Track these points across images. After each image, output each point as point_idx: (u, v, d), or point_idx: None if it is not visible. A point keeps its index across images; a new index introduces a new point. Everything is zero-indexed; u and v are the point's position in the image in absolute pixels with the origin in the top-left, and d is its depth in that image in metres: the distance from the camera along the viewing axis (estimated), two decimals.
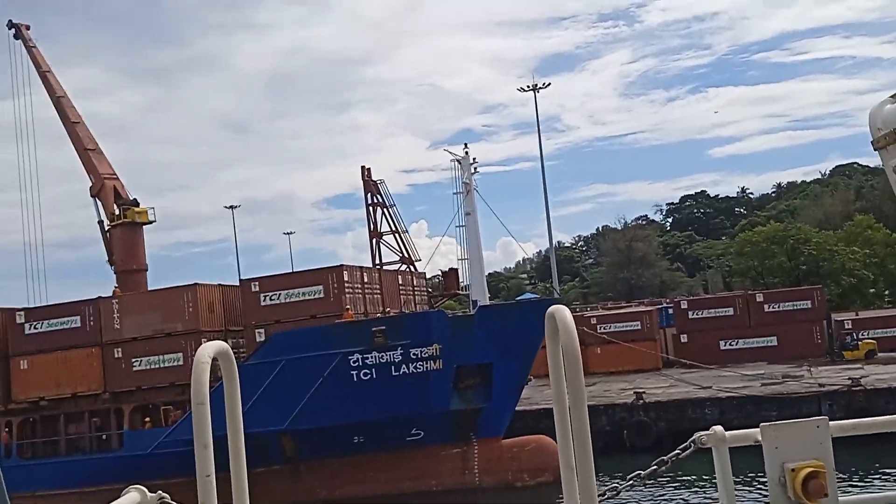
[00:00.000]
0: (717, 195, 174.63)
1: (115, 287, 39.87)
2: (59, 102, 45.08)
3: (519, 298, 61.91)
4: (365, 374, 31.90)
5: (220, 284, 35.60)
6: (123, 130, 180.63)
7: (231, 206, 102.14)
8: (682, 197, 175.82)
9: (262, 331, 33.43)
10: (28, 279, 46.23)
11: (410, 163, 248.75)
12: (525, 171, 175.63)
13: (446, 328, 32.28)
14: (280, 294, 33.39)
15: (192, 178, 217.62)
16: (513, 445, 33.94)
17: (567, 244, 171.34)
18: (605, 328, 51.92)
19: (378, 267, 38.98)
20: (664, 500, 28.63)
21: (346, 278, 33.14)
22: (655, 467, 3.69)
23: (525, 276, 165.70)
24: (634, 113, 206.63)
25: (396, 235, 39.95)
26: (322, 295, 33.04)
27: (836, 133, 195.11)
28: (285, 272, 35.38)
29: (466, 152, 35.43)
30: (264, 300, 33.53)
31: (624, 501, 26.71)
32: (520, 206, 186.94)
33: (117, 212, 42.88)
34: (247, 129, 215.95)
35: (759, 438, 3.06)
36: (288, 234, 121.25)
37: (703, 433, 3.41)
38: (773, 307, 50.48)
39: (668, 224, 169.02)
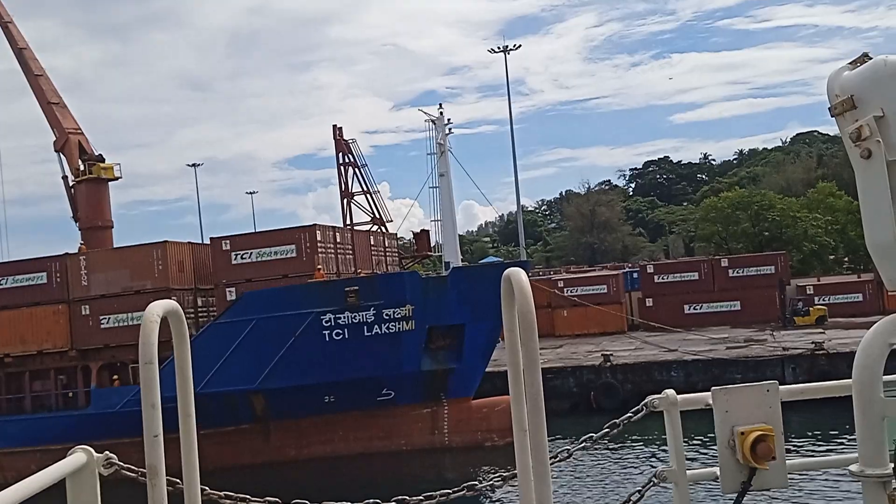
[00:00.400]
0: (680, 161, 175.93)
1: (81, 244, 39.22)
2: (22, 54, 43.92)
3: (483, 261, 62.01)
4: (337, 334, 31.87)
5: (189, 242, 35.27)
6: (80, 86, 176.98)
7: (193, 165, 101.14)
8: (645, 162, 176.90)
9: (232, 289, 33.20)
10: None
11: (373, 124, 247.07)
12: (488, 135, 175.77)
13: (419, 289, 32.31)
14: (251, 253, 33.14)
15: (150, 136, 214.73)
16: (482, 406, 34.23)
17: (530, 208, 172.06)
18: (572, 291, 52.30)
19: (349, 227, 38.77)
20: (617, 461, 29.04)
21: (318, 238, 32.97)
22: (608, 430, 3.69)
23: (488, 239, 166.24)
24: (598, 77, 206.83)
25: (368, 196, 39.73)
26: (294, 254, 32.87)
27: (796, 101, 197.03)
28: (257, 231, 35.07)
29: (441, 112, 35.26)
30: (235, 259, 33.26)
31: (577, 463, 27.19)
32: (482, 170, 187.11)
33: (82, 167, 42.07)
34: (207, 88, 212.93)
35: (710, 402, 3.07)
36: (251, 193, 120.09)
37: (655, 396, 3.42)
38: (737, 272, 51.16)
39: (630, 189, 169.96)
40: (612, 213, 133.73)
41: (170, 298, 23.12)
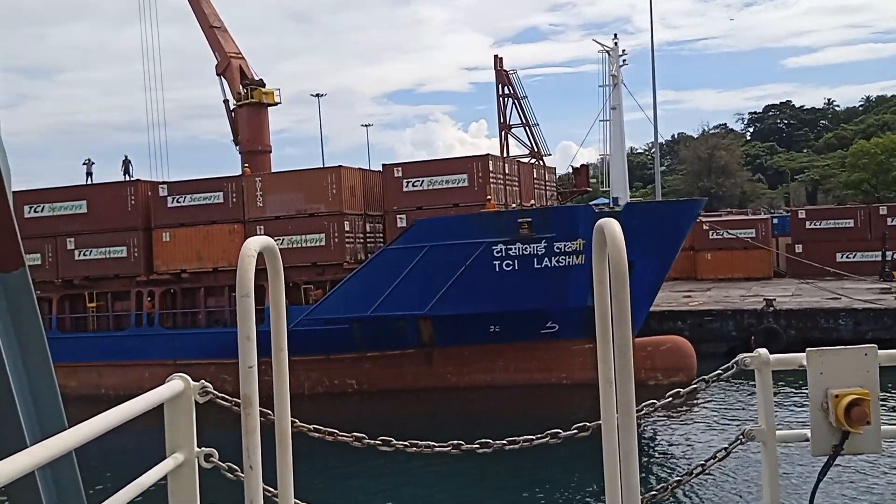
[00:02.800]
0: (803, 106, 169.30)
1: (246, 166, 40.06)
2: None
3: (593, 203, 61.18)
4: (507, 265, 31.89)
5: (360, 168, 35.59)
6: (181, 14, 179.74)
7: (318, 95, 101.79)
8: (765, 106, 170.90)
9: (403, 216, 33.51)
10: (151, 156, 46.86)
11: (473, 60, 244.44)
12: (591, 74, 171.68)
13: (592, 223, 31.84)
14: (423, 181, 33.28)
15: (251, 66, 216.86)
16: (647, 344, 33.92)
17: (639, 150, 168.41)
18: (716, 234, 51.09)
19: (513, 160, 38.52)
20: (708, 418, 28.30)
21: (490, 168, 32.82)
22: (696, 385, 3.64)
23: (595, 180, 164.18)
24: (708, 17, 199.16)
25: (527, 129, 39.30)
26: (466, 184, 32.86)
27: None
28: (430, 159, 35.18)
29: (616, 43, 34.30)
30: (406, 186, 33.48)
31: (661, 416, 26.55)
32: (581, 110, 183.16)
33: (244, 91, 42.78)
34: (309, 20, 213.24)
35: (805, 363, 2.99)
36: (366, 126, 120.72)
37: (746, 355, 3.34)
38: None
39: (748, 134, 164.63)
40: (732, 158, 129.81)
41: (343, 222, 23.71)
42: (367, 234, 35.08)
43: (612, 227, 2.87)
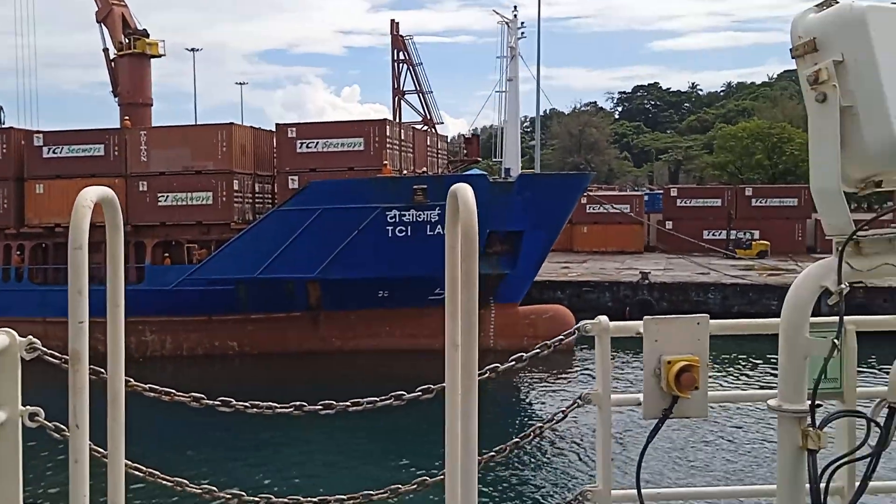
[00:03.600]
0: (669, 88, 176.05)
1: (126, 119, 38.42)
2: None
3: (469, 173, 62.09)
4: (400, 231, 31.97)
5: (251, 127, 34.76)
6: None
7: (192, 49, 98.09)
8: (634, 87, 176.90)
9: (295, 178, 33.00)
10: (19, 104, 44.22)
11: (349, 24, 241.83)
12: (465, 45, 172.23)
13: (486, 193, 32.30)
14: (318, 143, 32.83)
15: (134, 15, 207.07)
16: (531, 312, 34.82)
17: (503, 125, 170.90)
18: (593, 209, 52.70)
19: (411, 126, 38.45)
20: (548, 384, 29.55)
21: (387, 133, 32.70)
22: (538, 350, 3.77)
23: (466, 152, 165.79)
24: None
25: (420, 96, 39.28)
26: (362, 148, 32.63)
27: (776, 38, 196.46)
28: (325, 121, 34.72)
29: (515, 15, 34.64)
30: (300, 147, 32.95)
31: (504, 381, 27.90)
32: (454, 83, 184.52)
33: (126, 41, 40.92)
34: None
35: (641, 331, 3.13)
36: (241, 84, 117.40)
37: (587, 322, 3.50)
38: (760, 202, 51.88)
39: (617, 113, 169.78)
40: (601, 135, 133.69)
41: (232, 181, 23.12)
42: (256, 195, 34.39)
43: (465, 192, 2.80)
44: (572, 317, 35.14)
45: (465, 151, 39.34)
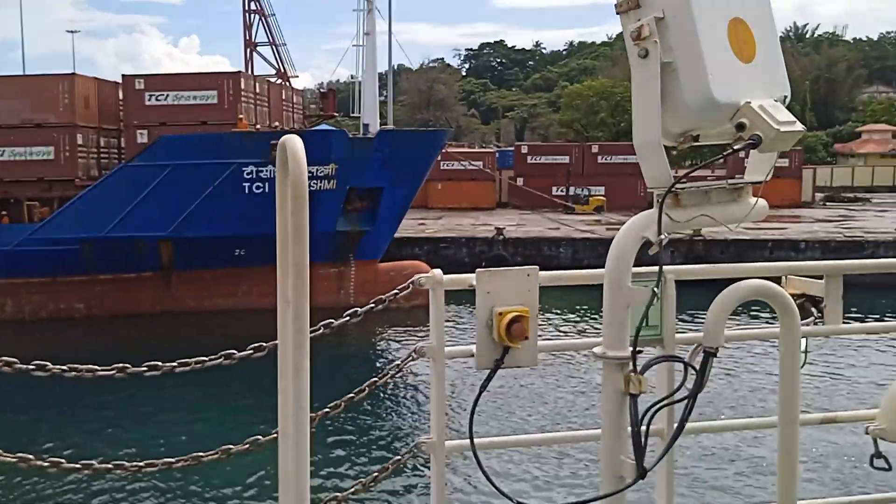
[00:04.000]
0: (514, 46, 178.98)
1: None
2: None
3: (323, 129, 61.49)
4: (257, 188, 31.22)
5: (95, 78, 32.87)
6: None
7: None
8: (480, 44, 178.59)
9: (144, 132, 31.55)
10: None
11: None
12: None
13: (345, 148, 32.03)
14: (168, 95, 31.45)
15: None
16: (390, 269, 34.89)
17: (360, 79, 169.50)
18: (448, 165, 53.15)
19: (266, 79, 37.36)
20: (379, 336, 30.18)
21: (242, 86, 31.71)
22: (373, 305, 3.82)
23: (314, 107, 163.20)
24: None
25: (274, 48, 38.24)
26: (216, 101, 31.51)
27: None
28: (176, 72, 33.26)
29: None
30: (149, 100, 31.48)
31: (341, 334, 28.55)
32: (308, 34, 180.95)
33: None
34: None
35: (474, 283, 3.18)
36: (72, 32, 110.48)
37: (421, 275, 3.55)
38: (605, 159, 53.72)
39: (464, 70, 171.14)
40: (450, 92, 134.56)
41: (75, 135, 22.14)
42: (102, 150, 32.69)
43: (294, 144, 2.81)
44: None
45: (320, 107, 38.70)
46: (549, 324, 30.01)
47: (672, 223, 2.91)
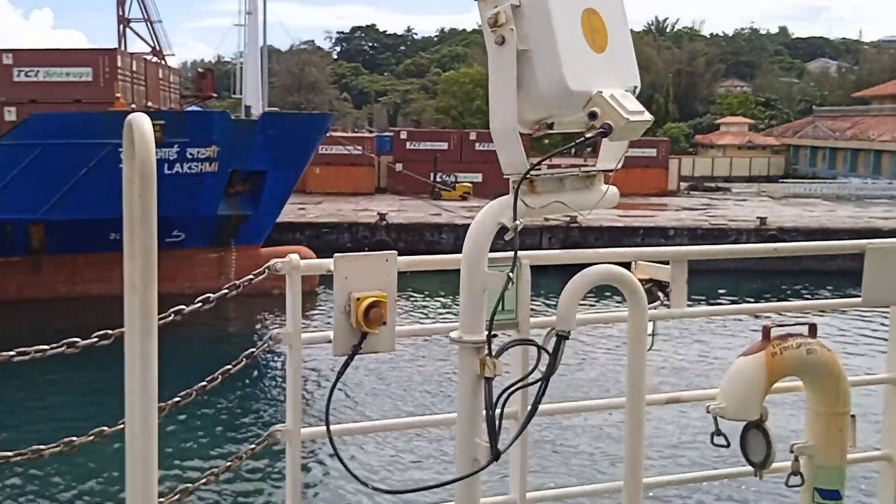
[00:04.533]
0: (386, 31, 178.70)
1: None
2: None
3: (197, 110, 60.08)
4: None
5: None
6: None
7: None
8: (352, 27, 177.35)
9: (13, 109, 30.02)
10: None
11: None
12: None
13: (228, 130, 31.35)
14: (38, 71, 29.97)
15: None
16: (272, 254, 34.15)
17: (227, 59, 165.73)
18: (327, 150, 52.67)
19: (142, 57, 35.99)
20: (254, 323, 30.05)
21: (119, 64, 30.51)
22: (226, 291, 3.65)
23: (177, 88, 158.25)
24: None
25: (149, 24, 36.90)
26: (91, 79, 30.22)
27: None
28: (48, 48, 31.67)
29: None
30: (18, 76, 29.91)
31: (212, 321, 28.34)
32: (185, 11, 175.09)
33: None
34: None
35: (332, 268, 3.14)
36: None
37: (278, 260, 3.46)
38: (483, 146, 54.37)
39: (335, 53, 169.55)
40: (322, 75, 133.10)
41: None
42: None
43: (141, 122, 2.73)
44: (316, 258, 35.26)
45: (198, 87, 37.66)
46: (413, 309, 30.30)
47: (527, 209, 2.89)
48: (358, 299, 3.02)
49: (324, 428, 3.18)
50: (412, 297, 31.82)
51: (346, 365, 3.08)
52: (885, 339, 4.14)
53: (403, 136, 56.68)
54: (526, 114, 2.79)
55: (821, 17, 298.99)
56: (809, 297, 32.56)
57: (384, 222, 40.06)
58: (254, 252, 34.19)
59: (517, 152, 2.81)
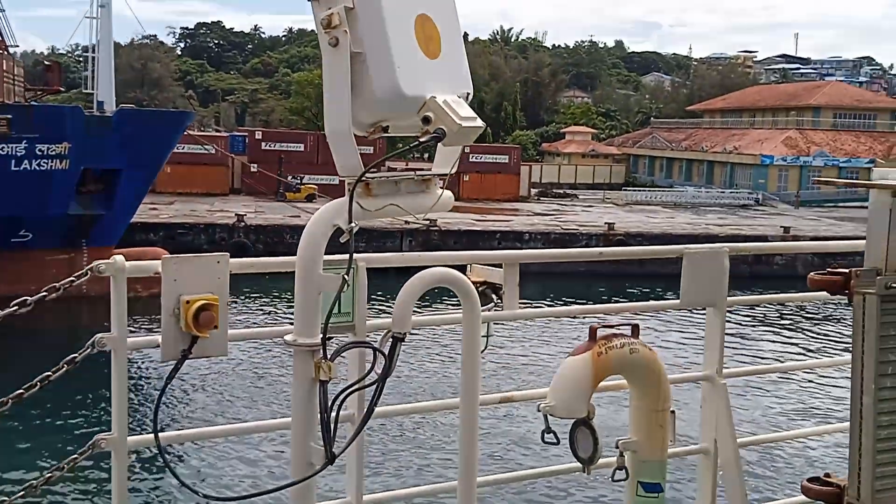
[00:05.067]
0: (232, 28, 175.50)
1: None
2: None
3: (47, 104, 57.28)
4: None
5: None
6: None
7: None
8: (196, 24, 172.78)
9: None
10: None
11: None
12: None
13: (81, 127, 30.08)
14: None
15: None
16: (127, 256, 33.09)
17: (62, 51, 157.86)
18: (178, 148, 51.19)
19: None
20: (67, 331, 29.24)
21: None
22: (45, 294, 3.40)
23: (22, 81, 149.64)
24: None
25: None
26: None
27: None
28: None
29: None
30: None
31: (24, 326, 27.54)
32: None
33: None
34: None
35: (160, 270, 3.01)
36: None
37: (103, 262, 3.34)
38: None
39: (179, 49, 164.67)
40: (166, 72, 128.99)
41: None
42: None
43: None
44: None
45: (44, 80, 35.87)
46: (251, 311, 30.15)
47: (363, 212, 2.87)
48: (188, 302, 2.92)
49: (152, 436, 3.04)
50: (259, 298, 31.40)
51: (175, 370, 2.97)
52: (703, 339, 4.30)
53: (258, 136, 55.87)
54: (361, 116, 2.78)
55: (653, 34, 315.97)
56: (648, 298, 34.40)
57: (242, 223, 39.41)
58: (107, 253, 32.46)
59: (352, 155, 2.79)
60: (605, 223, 44.38)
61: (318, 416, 2.84)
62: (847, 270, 3.36)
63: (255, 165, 52.98)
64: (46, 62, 35.77)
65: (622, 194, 62.73)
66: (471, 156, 57.87)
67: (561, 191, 66.50)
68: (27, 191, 29.40)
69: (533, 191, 62.46)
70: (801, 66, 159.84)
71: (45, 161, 29.58)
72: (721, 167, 73.77)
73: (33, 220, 30.23)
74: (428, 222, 41.51)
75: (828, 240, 37.21)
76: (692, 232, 43.81)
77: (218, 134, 57.81)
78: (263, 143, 54.58)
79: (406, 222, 42.31)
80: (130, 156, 31.18)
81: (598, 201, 61.42)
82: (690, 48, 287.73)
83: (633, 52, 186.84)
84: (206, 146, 46.89)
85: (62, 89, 36.21)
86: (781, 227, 45.95)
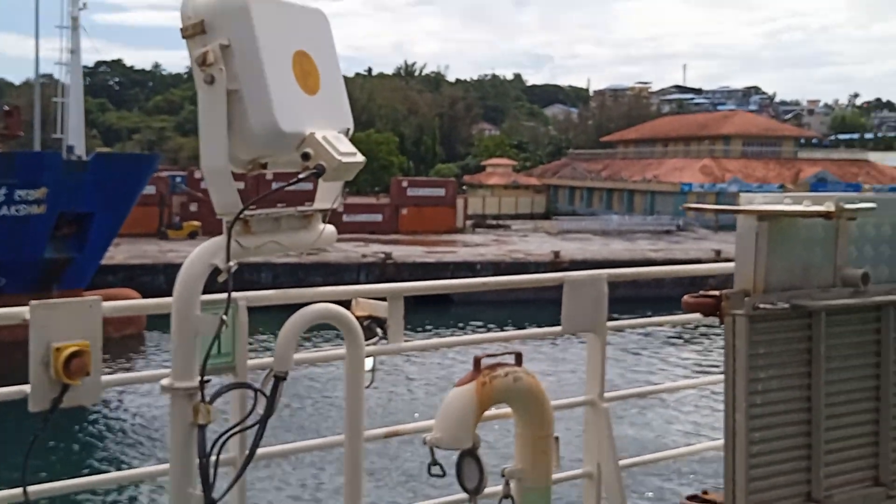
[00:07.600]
0: (133, 66, 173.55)
1: None
2: None
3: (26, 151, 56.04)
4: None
5: None
6: None
7: None
8: (96, 62, 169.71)
9: None
10: None
11: None
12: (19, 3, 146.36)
13: (58, 172, 30.26)
14: None
15: None
16: (101, 297, 33.27)
17: (64, 99, 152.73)
18: None
19: None
20: None
21: None
22: None
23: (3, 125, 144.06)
24: None
25: None
26: None
27: None
28: None
29: None
30: None
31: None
32: None
33: None
34: None
35: (28, 317, 2.82)
36: None
37: None
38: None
39: None
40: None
41: None
42: None
43: None
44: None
45: (4, 125, 35.62)
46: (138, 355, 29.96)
47: (242, 249, 2.86)
48: (58, 349, 2.78)
49: (20, 490, 2.91)
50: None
51: (46, 420, 2.84)
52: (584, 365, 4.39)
53: (198, 175, 55.85)
54: (238, 153, 2.78)
55: (545, 66, 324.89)
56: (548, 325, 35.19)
57: None
58: (77, 296, 32.84)
59: (229, 192, 2.78)
60: (552, 251, 46.34)
61: (197, 461, 2.79)
62: (718, 293, 3.47)
63: (195, 205, 53.03)
64: (6, 107, 35.51)
65: (553, 223, 65.15)
66: (408, 189, 59.41)
67: (494, 222, 68.46)
68: (4, 236, 29.37)
69: (468, 222, 64.20)
70: (695, 97, 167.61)
71: (24, 206, 29.66)
72: (641, 195, 77.22)
73: (7, 265, 30.14)
74: (383, 255, 42.76)
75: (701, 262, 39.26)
76: (631, 258, 46.19)
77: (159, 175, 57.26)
78: (202, 182, 54.44)
79: (363, 256, 43.41)
80: (103, 199, 31.46)
81: (530, 230, 63.57)
82: (588, 81, 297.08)
83: (533, 85, 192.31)
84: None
85: (21, 134, 36.02)
86: (712, 249, 48.89)
